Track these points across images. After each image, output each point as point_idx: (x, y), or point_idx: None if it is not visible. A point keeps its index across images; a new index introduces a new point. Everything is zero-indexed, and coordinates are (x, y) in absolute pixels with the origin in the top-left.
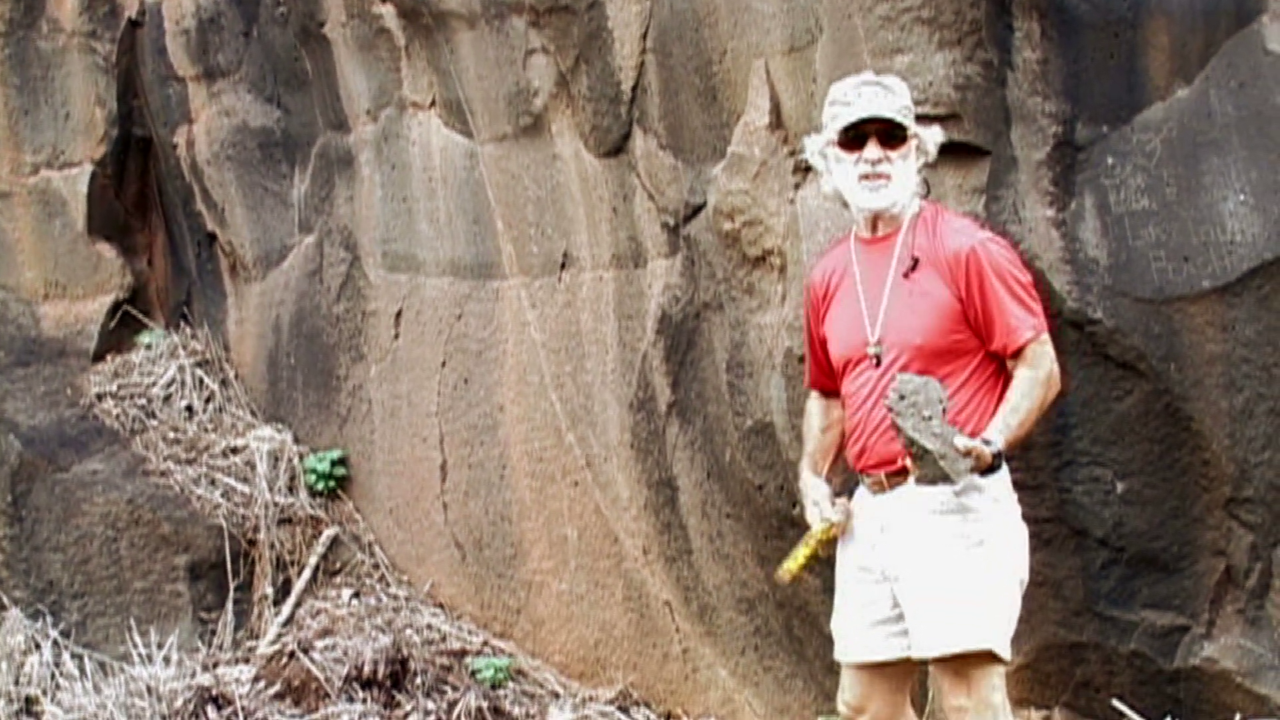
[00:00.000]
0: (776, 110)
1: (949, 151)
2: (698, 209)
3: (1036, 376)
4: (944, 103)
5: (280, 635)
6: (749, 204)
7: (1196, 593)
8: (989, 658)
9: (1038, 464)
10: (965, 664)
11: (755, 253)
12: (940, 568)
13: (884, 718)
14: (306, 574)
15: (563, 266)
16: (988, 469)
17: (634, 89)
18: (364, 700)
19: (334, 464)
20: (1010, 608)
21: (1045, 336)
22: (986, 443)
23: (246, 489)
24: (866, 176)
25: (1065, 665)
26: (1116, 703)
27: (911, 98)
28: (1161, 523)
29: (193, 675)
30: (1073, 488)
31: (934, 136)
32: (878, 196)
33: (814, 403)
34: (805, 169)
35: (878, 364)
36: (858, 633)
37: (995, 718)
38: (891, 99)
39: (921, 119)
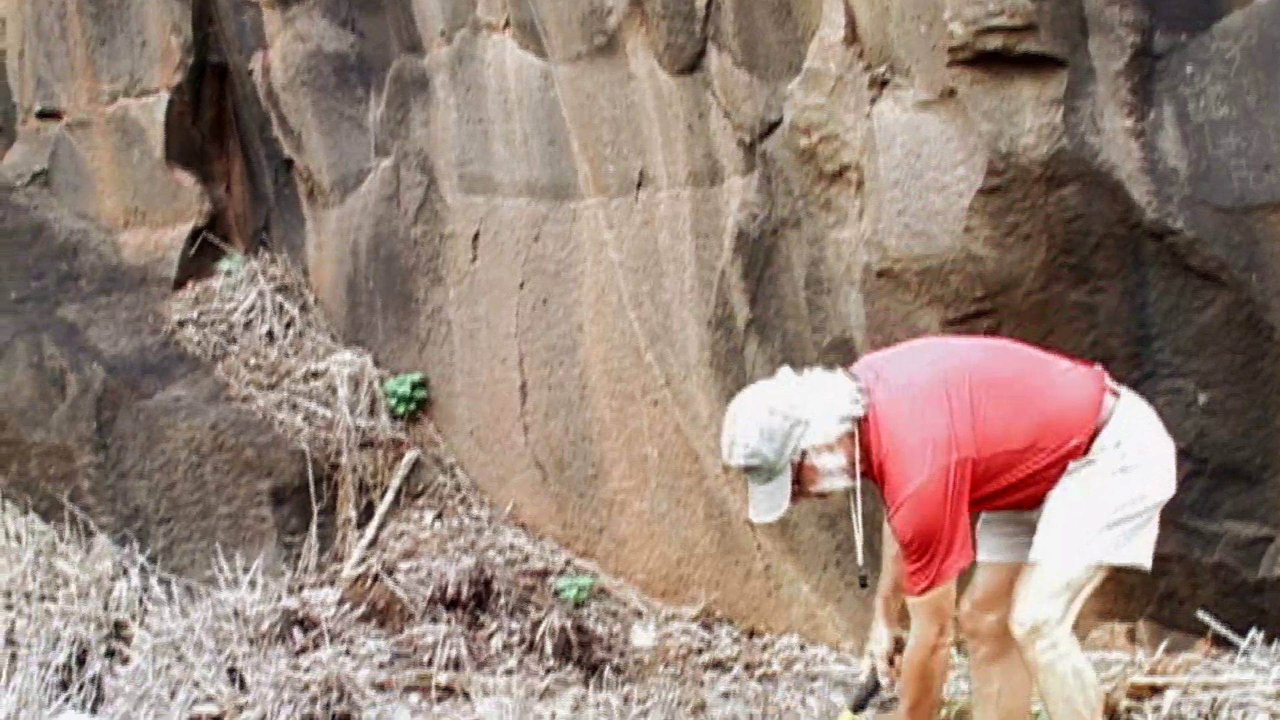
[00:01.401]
0: (852, 25)
1: (1026, 64)
2: (774, 126)
3: (909, 650)
4: (1020, 14)
5: (364, 558)
6: (825, 120)
7: None
8: (1069, 574)
9: (1118, 376)
10: (1042, 575)
11: (832, 168)
12: (1064, 494)
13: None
14: (389, 497)
15: (639, 186)
16: None
17: (708, 6)
18: (448, 621)
19: (414, 387)
20: (1135, 522)
21: (932, 593)
22: None
23: (328, 413)
24: None
25: (1149, 578)
26: (1201, 614)
27: (988, 9)
28: (1244, 433)
29: (278, 598)
30: (1154, 399)
31: (819, 428)
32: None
33: (887, 527)
34: (881, 84)
35: None
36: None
37: (1048, 626)
38: (762, 479)
39: (998, 29)
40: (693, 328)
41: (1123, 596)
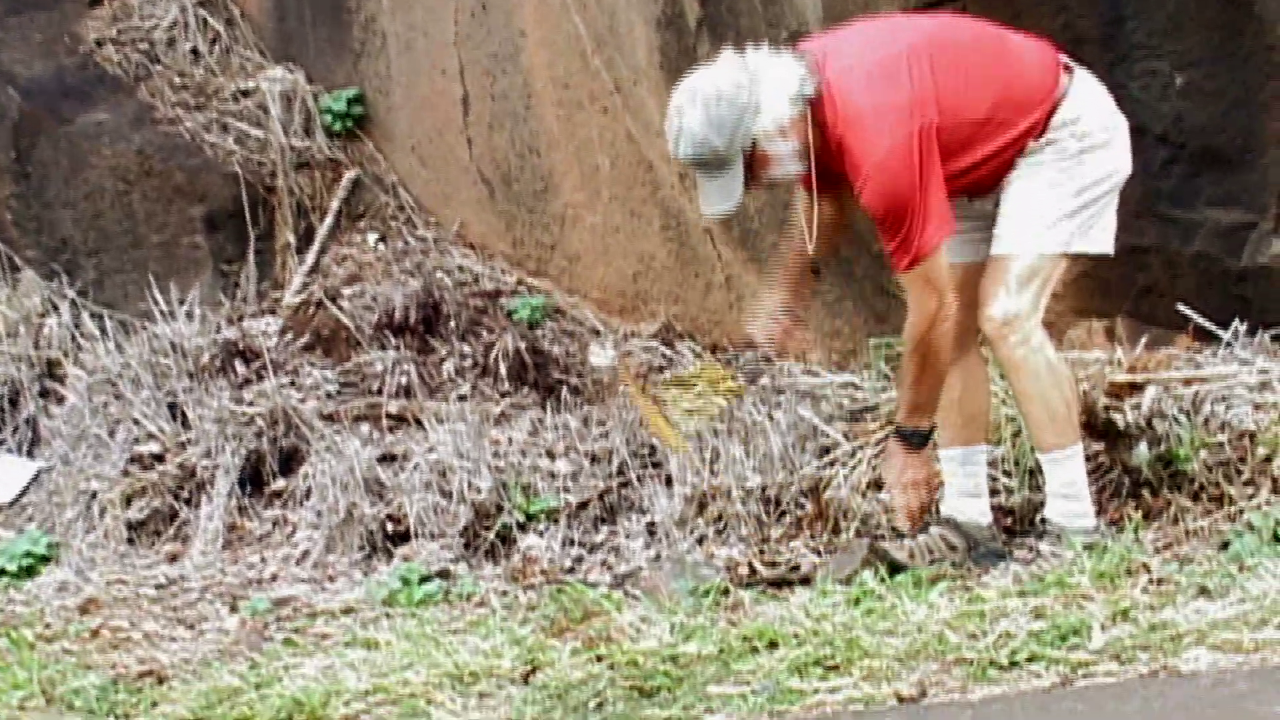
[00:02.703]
0: None
1: None
2: None
3: (909, 324)
4: None
5: (306, 284)
6: None
7: (1263, 187)
8: (1036, 263)
9: (1090, 60)
10: (1009, 267)
11: None
12: (1023, 181)
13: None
14: (329, 220)
15: None
16: (917, 435)
17: None
18: (397, 347)
19: (350, 103)
20: (1097, 205)
21: (920, 266)
22: (898, 432)
23: (260, 134)
24: None
25: (1126, 271)
26: (1181, 307)
27: None
28: (1224, 115)
29: (218, 330)
30: (1128, 83)
31: (769, 112)
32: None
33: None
34: None
35: None
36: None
37: (1019, 320)
38: (712, 171)
39: None
40: (641, 29)
41: (1099, 293)
